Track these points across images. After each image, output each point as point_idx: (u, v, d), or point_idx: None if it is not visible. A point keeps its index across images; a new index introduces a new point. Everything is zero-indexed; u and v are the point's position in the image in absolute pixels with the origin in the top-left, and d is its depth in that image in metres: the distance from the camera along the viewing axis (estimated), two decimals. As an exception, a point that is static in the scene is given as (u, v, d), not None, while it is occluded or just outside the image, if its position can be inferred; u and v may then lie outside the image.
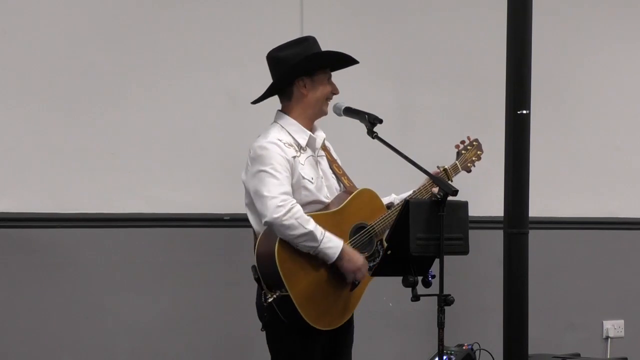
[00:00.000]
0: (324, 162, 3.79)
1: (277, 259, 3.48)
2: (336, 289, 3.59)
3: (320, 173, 3.73)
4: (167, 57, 4.63)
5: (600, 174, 5.77)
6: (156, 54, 4.61)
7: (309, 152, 3.72)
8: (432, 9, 5.31)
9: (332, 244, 3.52)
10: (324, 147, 3.83)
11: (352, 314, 3.78)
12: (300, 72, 3.67)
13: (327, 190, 3.71)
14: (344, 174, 3.81)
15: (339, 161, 3.87)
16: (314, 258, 3.53)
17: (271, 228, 3.51)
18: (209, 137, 4.70)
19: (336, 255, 3.52)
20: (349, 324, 3.77)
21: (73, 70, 4.44)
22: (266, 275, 3.51)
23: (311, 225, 3.49)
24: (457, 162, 3.94)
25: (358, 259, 3.58)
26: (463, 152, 3.99)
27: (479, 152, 4.05)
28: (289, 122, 3.72)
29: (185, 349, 4.63)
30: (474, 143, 4.05)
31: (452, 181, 3.83)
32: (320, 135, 3.78)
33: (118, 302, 4.49)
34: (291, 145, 3.66)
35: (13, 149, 4.34)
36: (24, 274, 4.34)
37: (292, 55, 3.68)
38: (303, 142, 3.70)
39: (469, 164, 4.00)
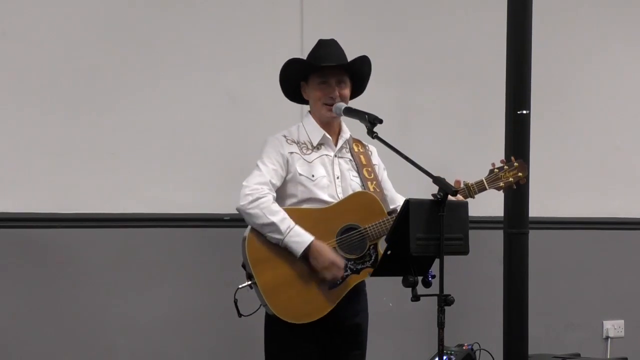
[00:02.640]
0: (345, 164, 3.80)
1: (247, 246, 3.58)
2: (309, 284, 3.59)
3: (337, 172, 3.75)
4: (167, 57, 4.63)
5: (600, 174, 5.77)
6: (156, 54, 4.61)
7: (324, 150, 3.76)
8: (432, 9, 5.31)
9: (300, 238, 3.55)
10: (359, 149, 3.86)
11: (363, 318, 3.79)
12: (299, 77, 3.78)
13: (341, 190, 3.72)
14: (374, 180, 3.80)
15: (377, 167, 3.87)
16: (287, 250, 3.57)
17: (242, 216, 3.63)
18: (209, 137, 4.70)
19: (301, 250, 3.55)
20: (357, 326, 3.76)
21: (73, 70, 4.44)
22: (244, 262, 3.62)
23: (277, 217, 3.55)
24: (484, 179, 3.77)
25: (326, 257, 3.57)
26: (497, 170, 3.79)
27: (520, 174, 3.81)
28: (309, 121, 3.81)
29: (185, 348, 4.63)
30: (516, 164, 3.82)
31: (474, 198, 3.73)
32: (343, 136, 3.82)
33: (118, 302, 4.49)
34: (297, 143, 3.74)
35: (13, 149, 4.35)
36: (24, 274, 4.34)
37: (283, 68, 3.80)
38: (315, 141, 3.76)
39: (501, 184, 3.78)
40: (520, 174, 3.82)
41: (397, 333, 5.12)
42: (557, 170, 5.61)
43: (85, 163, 4.46)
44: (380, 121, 3.60)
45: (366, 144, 3.91)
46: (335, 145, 3.80)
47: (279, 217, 3.56)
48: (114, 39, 4.53)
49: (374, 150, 3.93)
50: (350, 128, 3.86)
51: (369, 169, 3.82)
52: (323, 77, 3.74)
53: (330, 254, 3.58)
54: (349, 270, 3.63)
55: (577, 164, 5.71)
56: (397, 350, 5.12)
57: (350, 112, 3.72)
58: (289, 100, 3.88)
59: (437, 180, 3.43)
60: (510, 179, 3.81)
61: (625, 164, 5.86)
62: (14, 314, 4.32)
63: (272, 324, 3.66)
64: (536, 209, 4.88)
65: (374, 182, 3.79)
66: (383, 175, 3.90)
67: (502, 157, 4.41)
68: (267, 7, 4.87)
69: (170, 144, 4.63)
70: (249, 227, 3.63)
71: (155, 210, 4.56)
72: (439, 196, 3.27)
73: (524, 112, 4.60)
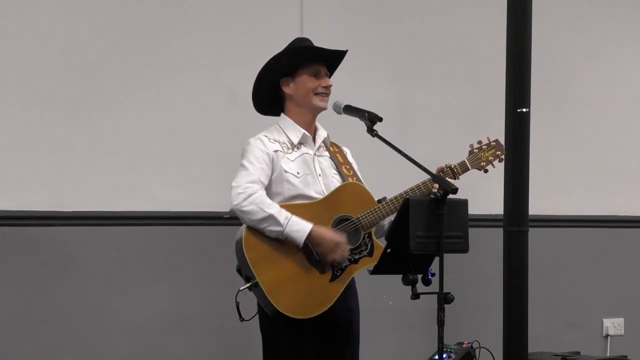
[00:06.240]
0: (325, 162, 3.80)
1: (245, 246, 3.56)
2: (311, 278, 3.59)
3: (318, 170, 3.75)
4: (167, 56, 4.63)
5: (601, 172, 5.77)
6: (156, 54, 4.61)
7: (304, 149, 3.76)
8: (432, 8, 5.31)
9: (299, 227, 3.54)
10: (334, 149, 3.86)
11: (355, 314, 3.78)
12: (280, 74, 3.75)
13: (324, 187, 3.72)
14: (354, 176, 3.80)
15: (354, 165, 3.88)
16: (284, 246, 3.57)
17: (238, 216, 3.60)
18: (209, 136, 4.70)
19: (304, 238, 3.54)
20: (350, 322, 3.76)
21: (73, 69, 4.45)
22: (240, 265, 3.60)
23: (273, 209, 3.54)
24: (465, 160, 3.81)
25: (331, 238, 3.56)
26: (476, 150, 3.84)
27: (498, 153, 3.85)
28: (286, 121, 3.79)
29: (185, 346, 4.64)
30: (492, 143, 3.87)
31: (458, 179, 3.76)
32: (320, 135, 3.81)
33: (118, 300, 4.50)
34: (278, 142, 3.73)
35: (14, 148, 4.35)
36: (25, 272, 4.34)
37: (271, 61, 3.78)
38: (295, 140, 3.75)
39: (482, 163, 3.83)
40: (498, 152, 3.87)
41: (397, 331, 5.12)
42: (557, 168, 5.62)
43: (85, 161, 4.46)
44: (380, 119, 3.61)
45: (340, 145, 3.92)
46: (314, 144, 3.80)
47: (275, 209, 3.55)
48: (114, 38, 4.53)
49: (349, 151, 3.94)
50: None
51: (347, 167, 3.84)
52: (314, 68, 3.74)
53: (332, 235, 3.58)
54: (347, 261, 3.64)
55: (577, 162, 5.71)
56: (397, 348, 5.13)
57: (350, 110, 3.72)
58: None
59: (436, 178, 3.43)
60: (490, 158, 3.85)
61: (625, 162, 5.86)
62: (14, 312, 4.33)
63: (269, 324, 3.65)
64: (536, 206, 4.88)
65: (354, 178, 3.80)
66: (358, 175, 3.89)
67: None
68: (267, 7, 4.87)
69: (170, 143, 4.63)
70: (241, 229, 3.62)
71: (155, 208, 4.57)
72: (438, 194, 3.28)
73: (524, 110, 4.61)
